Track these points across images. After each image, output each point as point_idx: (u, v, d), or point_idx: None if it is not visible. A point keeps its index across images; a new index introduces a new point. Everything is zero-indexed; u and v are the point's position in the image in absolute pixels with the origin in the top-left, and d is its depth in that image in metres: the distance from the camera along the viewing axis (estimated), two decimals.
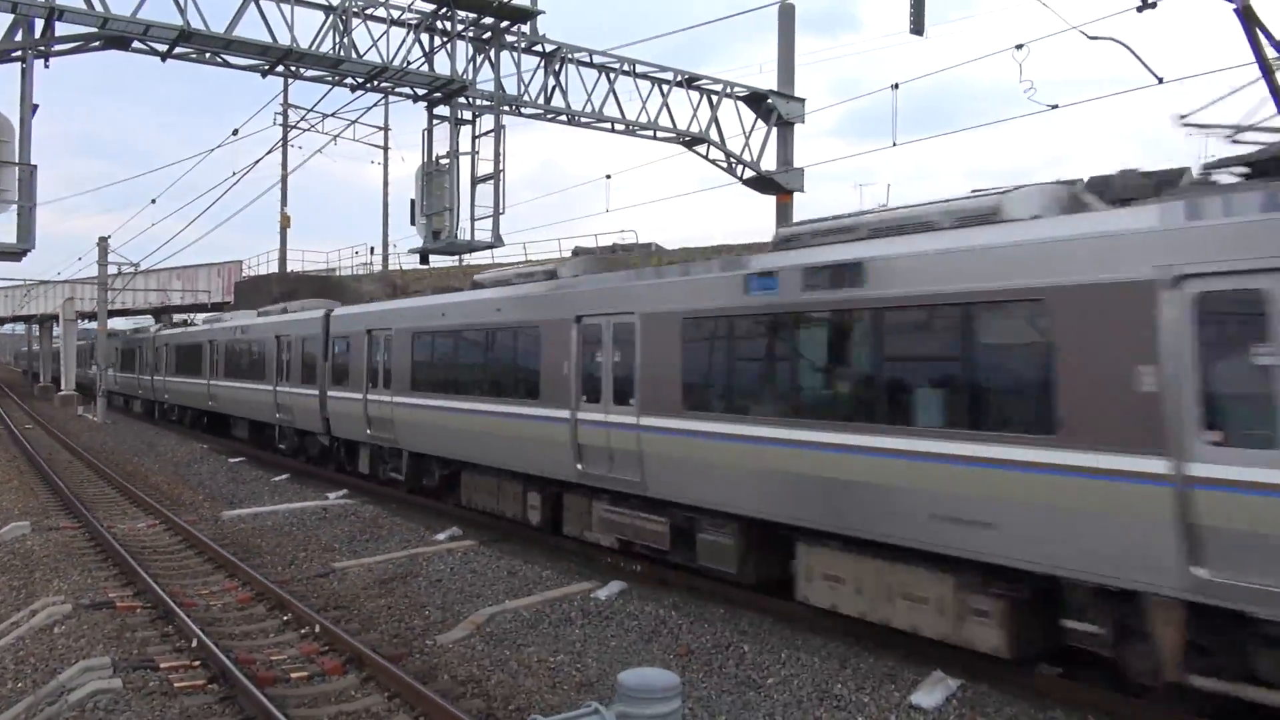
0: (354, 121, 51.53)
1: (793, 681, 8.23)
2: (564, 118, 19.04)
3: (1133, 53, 12.53)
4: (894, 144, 25.49)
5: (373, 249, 49.00)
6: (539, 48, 18.37)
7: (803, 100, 21.39)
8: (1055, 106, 15.20)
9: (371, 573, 12.65)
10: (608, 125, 19.56)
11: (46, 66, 14.62)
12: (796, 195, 21.39)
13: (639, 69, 19.58)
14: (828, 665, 8.53)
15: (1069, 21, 13.63)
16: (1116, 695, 7.66)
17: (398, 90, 17.69)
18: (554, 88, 18.63)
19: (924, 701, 7.60)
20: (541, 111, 18.70)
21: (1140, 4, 12.42)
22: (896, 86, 18.32)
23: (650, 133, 19.92)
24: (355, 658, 8.94)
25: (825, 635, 9.69)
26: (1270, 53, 10.11)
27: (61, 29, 14.22)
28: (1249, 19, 10.04)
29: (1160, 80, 12.96)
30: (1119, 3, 12.71)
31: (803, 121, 21.43)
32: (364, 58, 16.38)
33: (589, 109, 19.06)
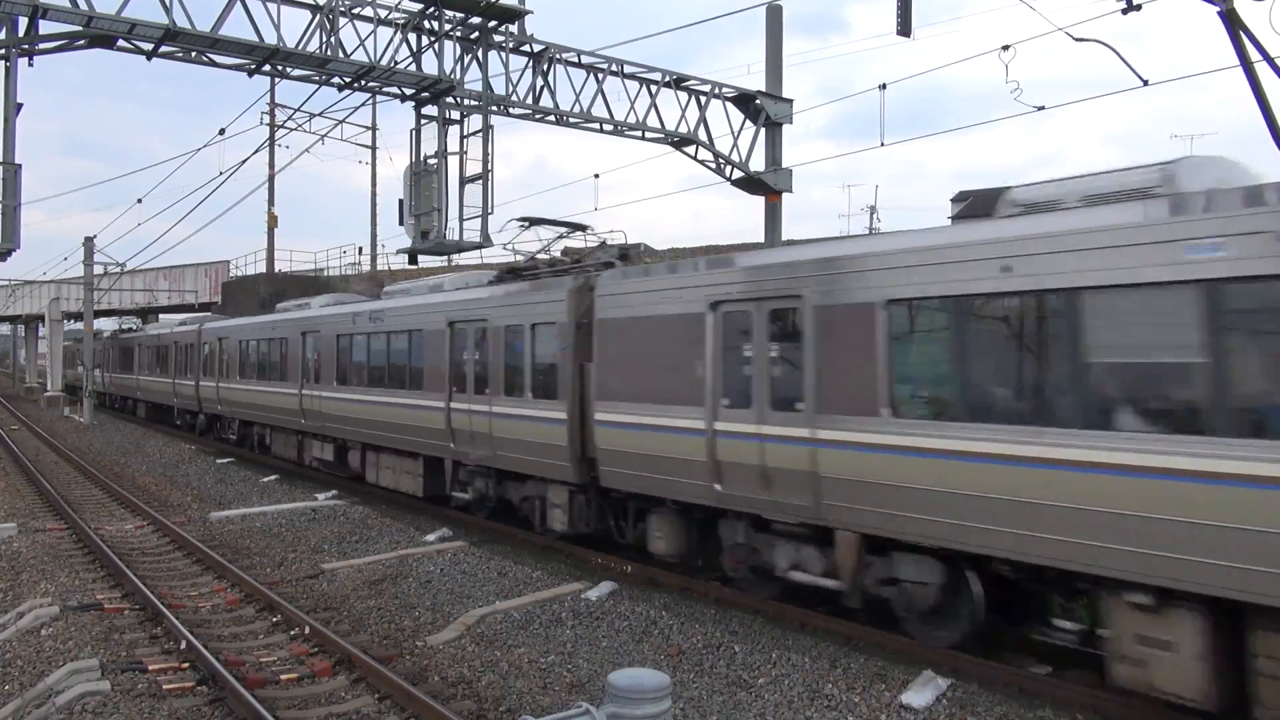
0: (341, 121, 51.35)
1: (783, 681, 8.25)
2: (552, 118, 19.03)
3: (1118, 54, 12.61)
4: (881, 144, 25.75)
5: (361, 249, 48.87)
6: (527, 48, 18.37)
7: (791, 101, 21.45)
8: (1042, 108, 15.30)
9: (361, 574, 12.62)
10: (596, 125, 19.56)
11: (31, 65, 14.59)
12: (785, 195, 21.46)
13: (627, 69, 19.59)
14: (818, 665, 8.56)
15: (1055, 23, 13.73)
16: (1105, 694, 7.71)
17: (385, 90, 17.68)
18: (542, 88, 18.62)
19: (914, 701, 7.64)
20: (529, 112, 18.69)
21: (1125, 6, 12.49)
22: (884, 87, 18.41)
23: (639, 133, 19.93)
24: (345, 659, 8.92)
25: (816, 635, 9.73)
26: (1253, 55, 10.20)
27: (46, 27, 14.19)
28: (1233, 21, 10.12)
29: (1145, 82, 13.06)
30: (1104, 5, 12.80)
31: (791, 122, 21.50)
32: (351, 57, 16.36)
33: (577, 109, 19.05)
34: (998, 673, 8.35)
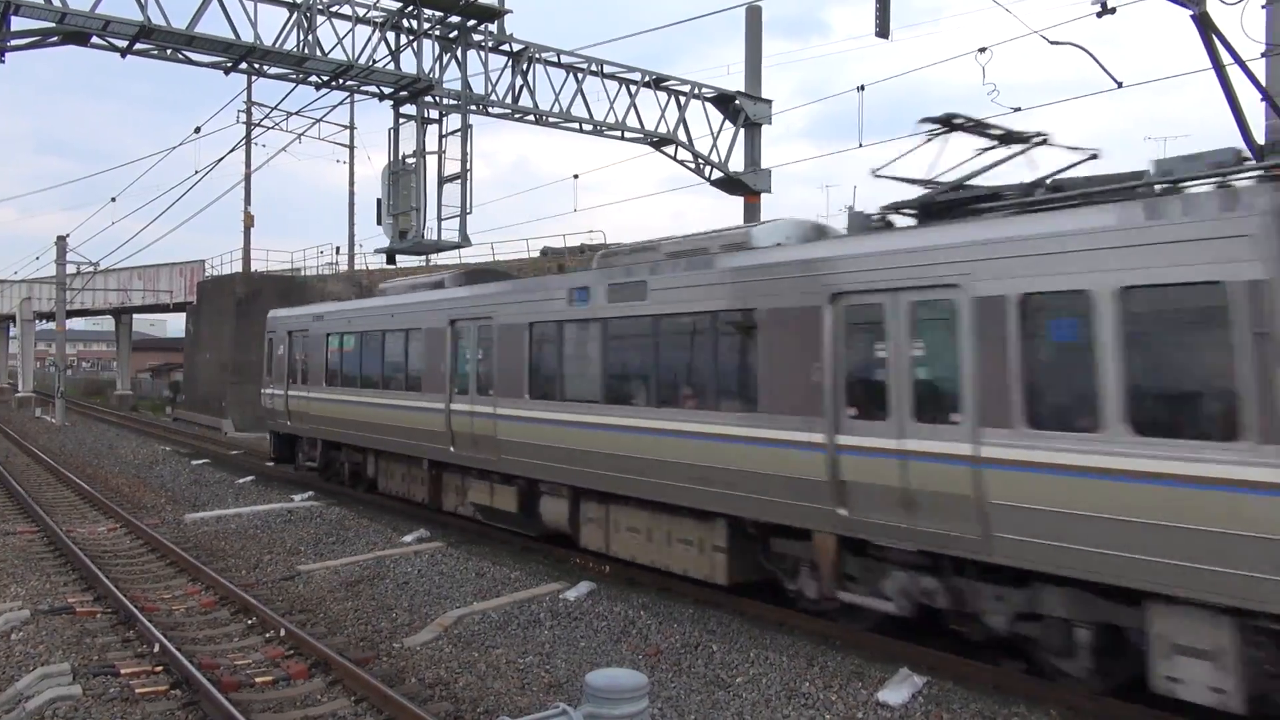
0: (319, 120, 51.10)
1: (761, 680, 8.27)
2: (531, 118, 19.00)
3: (1093, 57, 12.71)
4: (860, 145, 25.84)
5: (338, 249, 48.63)
6: (506, 47, 18.33)
7: (770, 102, 21.52)
8: (1018, 109, 15.36)
9: (338, 575, 12.54)
10: (575, 125, 19.54)
11: (2, 61, 14.40)
12: (764, 196, 21.52)
13: (606, 69, 19.59)
14: (795, 664, 8.58)
15: (1031, 26, 13.84)
16: (1079, 691, 7.77)
17: (363, 89, 17.59)
18: (521, 87, 18.59)
19: (891, 698, 7.67)
20: (509, 111, 18.66)
21: (1100, 9, 12.60)
22: (862, 88, 18.52)
23: (618, 133, 19.93)
24: (321, 661, 8.85)
25: (794, 634, 9.75)
26: (1225, 58, 10.33)
27: (17, 24, 14.03)
28: (1205, 25, 10.25)
29: (1120, 84, 13.17)
30: (1080, 8, 12.92)
31: (770, 123, 21.57)
32: (329, 56, 16.26)
33: (557, 109, 19.03)
34: (973, 670, 8.40)
